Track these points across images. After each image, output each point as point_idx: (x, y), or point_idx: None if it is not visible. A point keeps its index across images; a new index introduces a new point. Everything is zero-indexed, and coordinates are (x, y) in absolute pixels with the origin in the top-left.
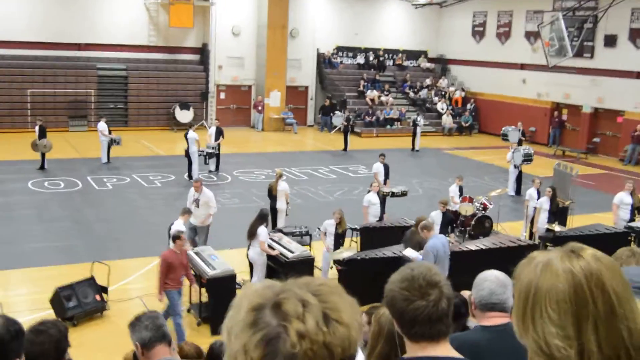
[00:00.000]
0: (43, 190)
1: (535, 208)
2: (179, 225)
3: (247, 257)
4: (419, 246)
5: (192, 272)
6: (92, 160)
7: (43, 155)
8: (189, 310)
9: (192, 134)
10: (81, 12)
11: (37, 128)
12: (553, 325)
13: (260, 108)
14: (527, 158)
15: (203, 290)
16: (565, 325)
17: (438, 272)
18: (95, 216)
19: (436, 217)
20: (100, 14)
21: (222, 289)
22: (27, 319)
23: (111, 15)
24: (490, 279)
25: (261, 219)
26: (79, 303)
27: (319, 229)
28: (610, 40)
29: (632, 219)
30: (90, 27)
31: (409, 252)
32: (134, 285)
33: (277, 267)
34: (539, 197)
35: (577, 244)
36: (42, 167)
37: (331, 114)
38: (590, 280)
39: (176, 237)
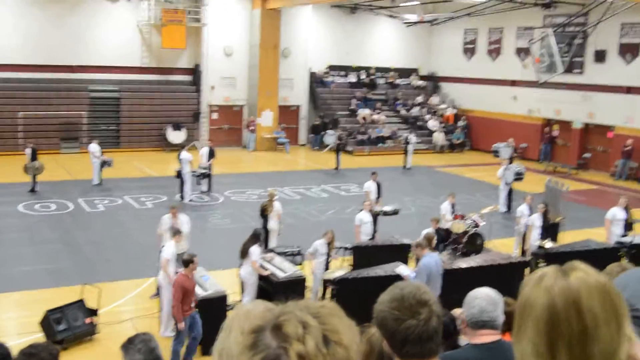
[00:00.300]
0: (34, 213)
1: (527, 225)
2: (170, 247)
3: (239, 277)
4: None
5: None
6: (83, 182)
7: (34, 177)
8: None
9: (185, 154)
10: (73, 34)
11: (28, 151)
12: (529, 342)
13: (252, 128)
14: (518, 177)
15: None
16: (539, 343)
17: (427, 291)
18: (86, 238)
19: None
20: (93, 36)
21: (213, 310)
22: (16, 343)
23: (104, 37)
24: (481, 297)
25: (254, 238)
26: (69, 326)
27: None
28: (600, 56)
29: (624, 235)
30: (83, 49)
31: (402, 270)
32: (124, 308)
33: (269, 288)
34: (530, 214)
35: (576, 262)
36: (33, 190)
37: (322, 133)
38: (568, 300)
39: (188, 261)
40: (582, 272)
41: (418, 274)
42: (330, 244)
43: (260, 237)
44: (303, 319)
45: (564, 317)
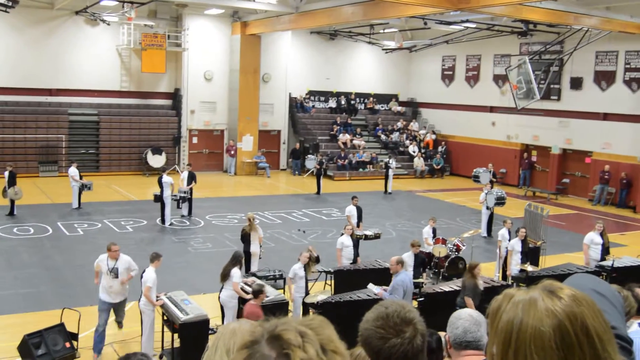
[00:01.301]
0: (12, 237)
1: (507, 249)
2: (151, 273)
3: (219, 300)
4: (471, 290)
5: (165, 318)
6: (62, 205)
7: (12, 201)
8: (161, 357)
9: (166, 178)
10: (53, 57)
11: (6, 174)
12: None
13: (232, 152)
14: (500, 201)
15: (176, 335)
16: None
17: (412, 309)
18: (65, 262)
19: (408, 258)
20: (72, 60)
21: (194, 334)
22: None
23: (83, 61)
24: (464, 318)
25: (234, 260)
26: (48, 351)
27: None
28: (576, 83)
29: (602, 259)
30: (62, 73)
31: (372, 288)
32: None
33: None
34: (510, 238)
35: (554, 282)
36: (11, 213)
37: (303, 157)
38: (575, 324)
39: (259, 292)
40: (571, 292)
41: (394, 289)
42: (307, 265)
43: (240, 259)
44: (300, 329)
45: (576, 341)
